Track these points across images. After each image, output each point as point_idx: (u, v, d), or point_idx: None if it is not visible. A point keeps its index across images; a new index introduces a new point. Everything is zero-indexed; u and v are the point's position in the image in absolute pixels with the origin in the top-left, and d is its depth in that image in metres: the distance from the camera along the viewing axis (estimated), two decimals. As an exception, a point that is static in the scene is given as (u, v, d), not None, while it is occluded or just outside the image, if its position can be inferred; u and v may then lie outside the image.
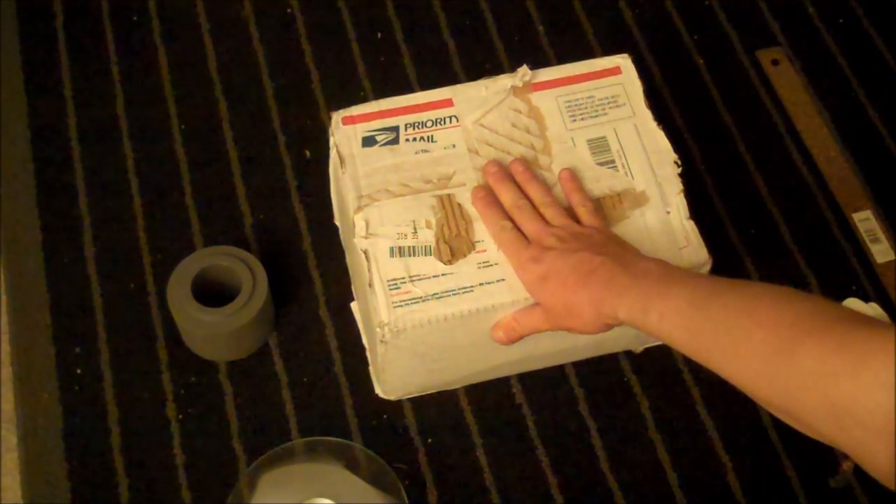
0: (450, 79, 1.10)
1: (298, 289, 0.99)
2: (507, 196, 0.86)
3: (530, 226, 0.84)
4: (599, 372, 0.96)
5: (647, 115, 0.92)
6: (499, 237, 0.85)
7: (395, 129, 0.90)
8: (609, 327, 0.79)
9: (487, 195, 0.86)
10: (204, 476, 0.90)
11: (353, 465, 0.90)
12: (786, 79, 1.13)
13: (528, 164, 0.89)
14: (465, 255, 0.85)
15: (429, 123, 0.91)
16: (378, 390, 0.94)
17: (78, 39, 1.13)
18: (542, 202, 0.86)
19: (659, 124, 0.92)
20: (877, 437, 0.58)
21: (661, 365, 0.96)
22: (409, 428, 0.93)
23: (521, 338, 0.84)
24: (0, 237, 1.02)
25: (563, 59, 1.08)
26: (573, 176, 0.88)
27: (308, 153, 1.06)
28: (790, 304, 0.68)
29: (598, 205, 0.87)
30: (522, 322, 0.84)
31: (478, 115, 0.91)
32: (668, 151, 0.90)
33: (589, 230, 0.84)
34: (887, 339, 0.59)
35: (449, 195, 0.87)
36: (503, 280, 0.84)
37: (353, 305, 0.97)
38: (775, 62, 1.14)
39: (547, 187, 0.87)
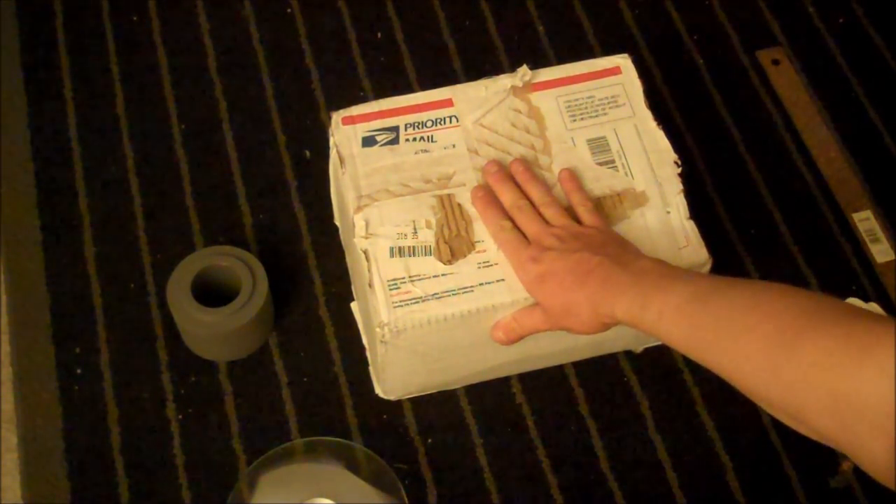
0: (450, 79, 1.10)
1: (298, 289, 0.99)
2: (507, 196, 0.86)
3: (530, 226, 0.84)
4: (599, 372, 0.96)
5: (647, 115, 0.92)
6: (498, 237, 0.85)
7: (395, 129, 0.90)
8: (607, 327, 0.79)
9: (487, 195, 0.86)
10: (204, 476, 0.90)
11: (353, 465, 0.90)
12: (786, 79, 1.13)
13: (528, 165, 0.89)
14: (464, 256, 0.85)
15: (429, 123, 0.91)
16: (378, 390, 0.94)
17: (78, 39, 1.13)
18: (541, 202, 0.86)
19: (659, 124, 0.92)
20: (877, 433, 0.58)
21: (661, 365, 0.96)
22: (409, 428, 0.93)
23: (520, 338, 0.84)
24: (0, 237, 1.02)
25: (563, 59, 1.08)
26: (573, 176, 0.88)
27: (308, 153, 1.06)
28: (792, 299, 0.67)
29: (599, 204, 0.87)
30: (522, 322, 0.84)
31: (478, 115, 0.91)
32: (668, 151, 0.90)
33: (589, 230, 0.84)
34: (891, 332, 0.59)
35: (449, 195, 0.87)
36: (503, 280, 0.84)
37: (353, 305, 0.97)
38: (775, 62, 1.14)
39: (547, 187, 0.87)
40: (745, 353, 0.67)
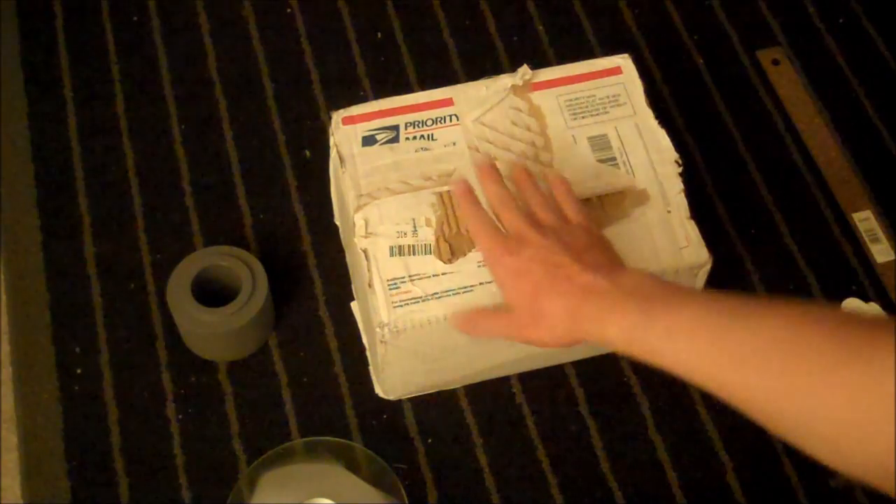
0: (450, 79, 1.10)
1: (298, 289, 0.99)
2: (490, 189, 0.81)
3: (510, 216, 0.78)
4: (599, 372, 0.96)
5: (648, 115, 0.92)
6: (472, 224, 0.80)
7: (396, 128, 0.90)
8: (578, 343, 0.73)
9: (468, 186, 0.82)
10: (204, 476, 0.90)
11: (353, 465, 0.90)
12: (786, 79, 1.13)
13: (531, 174, 0.84)
14: (464, 254, 0.85)
15: (429, 122, 0.91)
16: (378, 390, 0.94)
17: (78, 39, 1.13)
18: (533, 202, 0.81)
19: (660, 124, 0.92)
20: None
21: (661, 365, 0.96)
22: (409, 428, 0.93)
23: (479, 335, 0.80)
24: (0, 237, 1.02)
25: (563, 59, 1.08)
26: (563, 180, 0.84)
27: (308, 153, 1.06)
28: (840, 317, 0.61)
29: (599, 202, 0.87)
30: (485, 322, 0.78)
31: (478, 114, 0.91)
32: (669, 150, 0.90)
33: (574, 228, 0.79)
34: None
35: (449, 192, 0.87)
36: (503, 279, 0.83)
37: (353, 305, 0.97)
38: (775, 62, 1.14)
39: (544, 192, 0.83)
40: (797, 372, 0.58)
